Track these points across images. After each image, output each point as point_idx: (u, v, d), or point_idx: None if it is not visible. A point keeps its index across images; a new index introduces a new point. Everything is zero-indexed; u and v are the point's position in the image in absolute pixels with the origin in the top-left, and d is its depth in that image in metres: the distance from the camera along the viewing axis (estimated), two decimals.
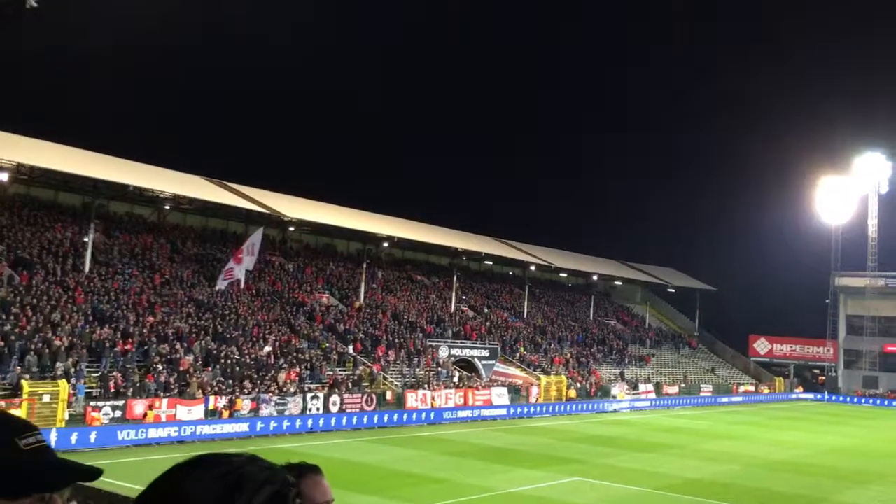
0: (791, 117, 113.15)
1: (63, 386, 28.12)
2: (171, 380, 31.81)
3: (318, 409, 35.45)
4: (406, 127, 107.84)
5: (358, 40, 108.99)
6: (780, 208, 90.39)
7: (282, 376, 35.91)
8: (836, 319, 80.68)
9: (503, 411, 44.29)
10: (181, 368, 32.80)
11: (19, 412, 26.50)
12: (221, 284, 41.31)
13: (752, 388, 71.12)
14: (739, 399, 66.32)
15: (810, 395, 74.59)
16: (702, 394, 63.02)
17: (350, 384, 38.63)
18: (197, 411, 31.17)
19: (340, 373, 39.80)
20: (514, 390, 47.47)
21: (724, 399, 64.10)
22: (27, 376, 28.12)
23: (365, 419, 36.67)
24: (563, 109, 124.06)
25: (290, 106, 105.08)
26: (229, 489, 1.22)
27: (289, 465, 2.07)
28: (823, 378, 78.50)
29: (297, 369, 37.36)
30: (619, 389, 55.08)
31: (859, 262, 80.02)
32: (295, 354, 38.81)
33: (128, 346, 32.72)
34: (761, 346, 79.59)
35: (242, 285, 42.94)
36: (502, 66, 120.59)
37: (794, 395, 73.79)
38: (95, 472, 1.59)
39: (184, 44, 77.91)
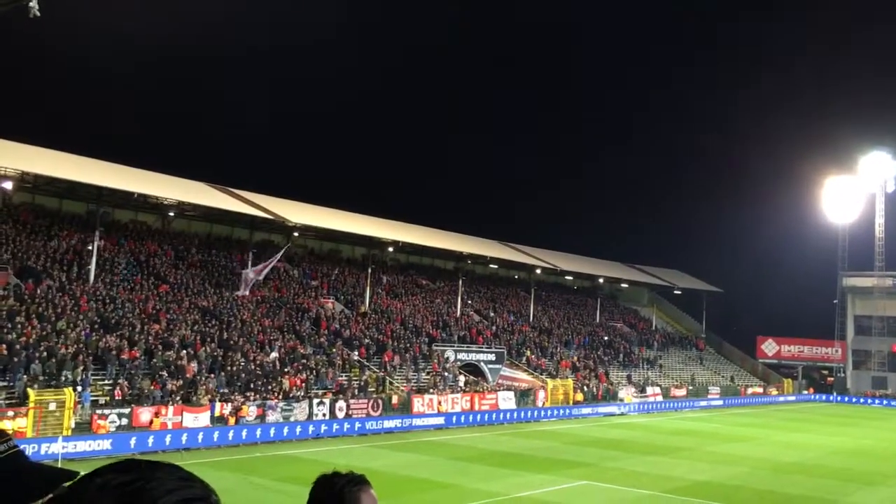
0: (797, 117, 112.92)
1: (69, 394, 28.11)
2: (177, 387, 31.78)
3: (324, 415, 35.37)
4: (408, 130, 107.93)
5: (365, 53, 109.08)
6: (786, 209, 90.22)
7: (286, 382, 35.85)
8: (844, 320, 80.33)
9: (510, 415, 44.15)
10: (187, 376, 32.78)
11: (25, 421, 26.52)
12: (244, 290, 41.90)
13: (760, 390, 70.85)
14: (747, 401, 66.07)
15: (819, 397, 74.28)
16: (709, 396, 62.78)
17: (356, 390, 38.55)
18: (203, 418, 31.13)
19: (344, 378, 39.71)
20: (521, 394, 47.33)
21: (733, 401, 63.86)
22: (34, 385, 28.13)
23: (371, 424, 36.58)
24: (567, 110, 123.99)
25: (296, 111, 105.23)
26: (129, 497, 1.15)
27: (349, 475, 1.99)
28: (832, 379, 78.14)
29: (303, 375, 37.30)
30: (626, 392, 54.88)
31: (867, 261, 79.70)
32: (301, 361, 38.75)
33: (134, 354, 32.72)
34: (769, 347, 79.28)
35: (243, 292, 42.92)
36: (507, 69, 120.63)
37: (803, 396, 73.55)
38: (71, 475, 1.52)
39: (191, 52, 78.08)
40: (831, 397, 73.89)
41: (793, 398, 72.13)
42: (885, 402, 71.34)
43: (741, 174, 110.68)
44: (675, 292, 77.15)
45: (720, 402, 62.30)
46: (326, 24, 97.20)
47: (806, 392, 75.57)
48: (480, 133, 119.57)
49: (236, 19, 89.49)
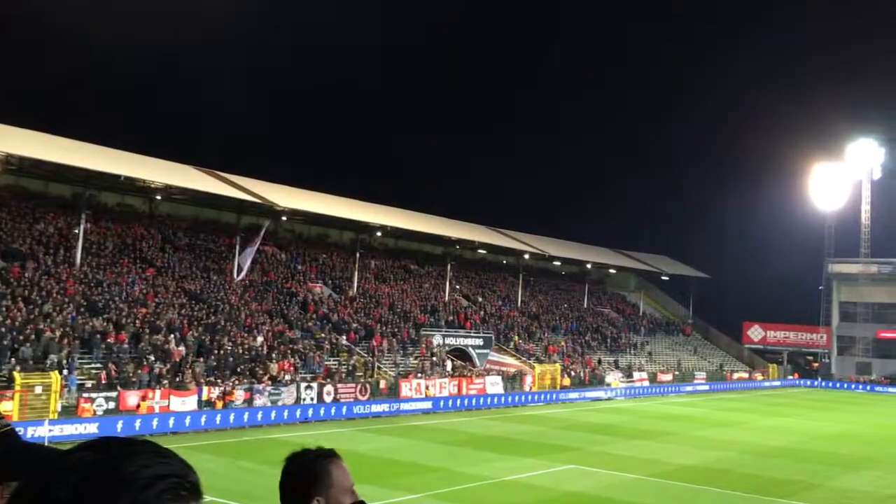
0: (784, 104, 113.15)
1: (55, 377, 27.98)
2: (165, 370, 31.69)
3: (311, 399, 35.37)
4: (398, 118, 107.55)
5: (355, 35, 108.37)
6: (773, 195, 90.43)
7: (274, 367, 35.80)
8: (830, 306, 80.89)
9: (497, 400, 44.29)
10: (174, 360, 32.68)
11: (11, 404, 26.39)
12: (241, 275, 41.98)
13: (745, 375, 71.34)
14: (733, 386, 66.54)
15: (804, 382, 74.88)
16: (696, 381, 63.19)
17: (344, 374, 38.55)
18: (190, 402, 31.08)
19: (332, 362, 39.69)
20: (509, 379, 47.47)
21: (718, 386, 64.30)
22: (19, 368, 27.98)
23: (359, 409, 36.62)
24: (557, 97, 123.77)
25: (283, 95, 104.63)
26: (105, 475, 1.12)
27: (319, 449, 2.03)
28: (817, 364, 78.76)
29: (291, 360, 37.26)
30: (613, 377, 55.14)
31: (852, 248, 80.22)
32: (289, 345, 38.70)
33: (121, 338, 32.59)
34: (755, 332, 79.80)
35: (241, 276, 42.70)
36: (495, 58, 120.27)
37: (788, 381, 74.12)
38: (62, 454, 1.50)
39: (177, 37, 77.40)
40: (816, 383, 74.50)
41: (778, 383, 72.72)
42: (868, 387, 72.00)
43: (729, 161, 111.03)
44: (663, 278, 77.42)
45: (706, 388, 62.69)
46: (317, 16, 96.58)
47: (791, 377, 76.17)
48: (473, 117, 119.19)
49: (228, 9, 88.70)
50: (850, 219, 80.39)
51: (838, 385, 73.43)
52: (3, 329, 29.38)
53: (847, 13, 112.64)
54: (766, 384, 71.09)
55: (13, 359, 28.46)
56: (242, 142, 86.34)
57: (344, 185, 54.97)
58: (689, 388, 60.83)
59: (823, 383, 74.23)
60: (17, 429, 1.67)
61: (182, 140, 67.58)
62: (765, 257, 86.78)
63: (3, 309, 30.58)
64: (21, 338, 29.48)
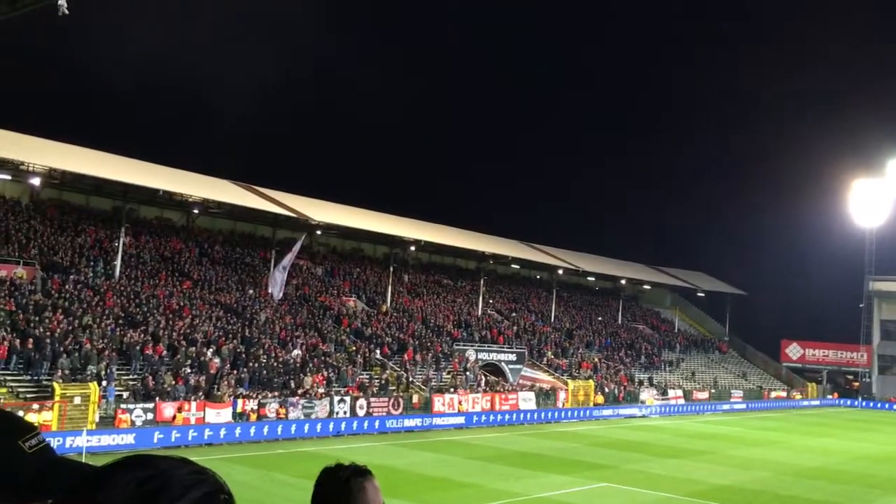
0: (824, 119, 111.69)
1: (94, 388, 28.44)
2: (201, 381, 32.04)
3: (344, 413, 35.51)
4: (431, 133, 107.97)
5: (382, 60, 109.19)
6: (812, 211, 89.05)
7: (309, 380, 36.03)
8: (871, 324, 79.28)
9: (530, 416, 44.07)
10: (210, 372, 33.03)
11: (51, 414, 26.87)
12: (279, 294, 42.04)
13: (783, 394, 70.16)
14: (771, 405, 65.48)
15: (844, 402, 73.42)
16: (732, 399, 62.28)
17: (377, 388, 38.65)
18: (225, 414, 31.38)
19: (365, 376, 39.81)
20: (542, 395, 47.22)
21: (756, 405, 63.32)
22: (59, 379, 28.50)
23: (392, 423, 36.66)
24: (588, 110, 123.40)
25: (316, 112, 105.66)
26: (148, 494, 1.15)
27: (353, 466, 2.07)
28: (857, 384, 77.16)
29: (325, 373, 37.46)
30: (647, 394, 54.57)
31: (894, 265, 78.63)
32: (322, 358, 38.91)
33: (159, 350, 33.04)
34: (793, 351, 78.46)
35: (278, 297, 42.81)
36: (527, 65, 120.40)
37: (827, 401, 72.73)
38: (94, 469, 1.54)
39: (214, 52, 78.63)
40: (856, 402, 73.00)
41: (817, 403, 71.38)
42: None
43: (767, 176, 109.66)
44: (699, 294, 76.54)
45: (743, 406, 61.77)
46: (346, 29, 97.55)
47: (830, 397, 74.75)
48: (502, 131, 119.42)
49: (254, 20, 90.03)
50: (892, 235, 78.89)
51: (879, 405, 71.86)
52: (44, 340, 29.95)
53: (886, 28, 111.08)
54: (805, 403, 69.82)
55: (53, 369, 29.00)
56: (278, 158, 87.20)
57: (377, 200, 55.29)
58: (726, 407, 59.98)
59: (864, 403, 72.71)
60: (52, 440, 1.71)
61: (218, 154, 68.51)
62: (804, 274, 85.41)
63: (44, 320, 31.17)
64: (61, 349, 30.03)
